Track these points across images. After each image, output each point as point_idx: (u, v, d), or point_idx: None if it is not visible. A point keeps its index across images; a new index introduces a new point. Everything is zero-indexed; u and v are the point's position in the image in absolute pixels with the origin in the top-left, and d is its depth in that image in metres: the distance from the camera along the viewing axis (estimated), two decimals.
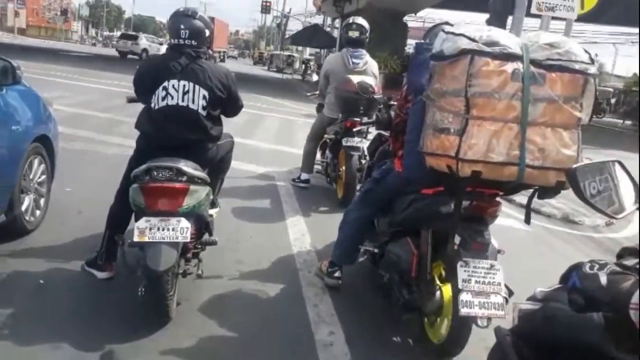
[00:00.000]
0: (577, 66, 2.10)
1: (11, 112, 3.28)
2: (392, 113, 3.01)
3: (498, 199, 2.46)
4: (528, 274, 3.38)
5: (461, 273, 2.25)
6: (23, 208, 3.40)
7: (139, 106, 3.12)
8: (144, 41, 32.49)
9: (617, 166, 1.66)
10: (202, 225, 2.88)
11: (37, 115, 3.63)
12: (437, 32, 2.56)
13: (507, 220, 4.87)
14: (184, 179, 2.66)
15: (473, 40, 2.09)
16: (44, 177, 3.72)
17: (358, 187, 4.55)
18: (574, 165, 1.60)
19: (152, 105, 2.91)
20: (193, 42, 2.93)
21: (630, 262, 1.18)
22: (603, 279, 1.12)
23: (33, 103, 3.64)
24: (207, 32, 3.02)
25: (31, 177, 3.53)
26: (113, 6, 79.06)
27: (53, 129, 3.91)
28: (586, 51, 2.19)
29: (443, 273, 2.45)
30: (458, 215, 2.32)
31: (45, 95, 4.07)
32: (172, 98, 2.87)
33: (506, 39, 2.14)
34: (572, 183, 1.53)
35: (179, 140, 2.89)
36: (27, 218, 3.46)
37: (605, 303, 1.10)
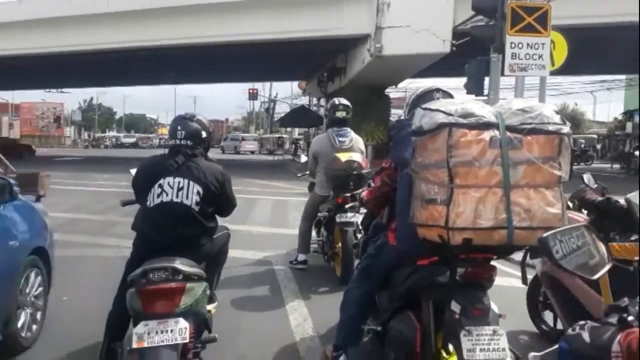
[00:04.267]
0: (550, 127, 2.19)
1: (8, 227, 3.34)
2: (379, 182, 3.05)
3: (493, 262, 2.47)
4: (533, 334, 3.30)
5: (465, 343, 2.22)
6: (19, 324, 3.36)
7: (135, 207, 3.18)
8: None
9: (585, 230, 1.74)
10: (200, 323, 2.84)
11: (33, 228, 3.68)
12: (428, 98, 2.69)
13: (506, 279, 4.82)
14: (180, 277, 2.66)
15: (449, 114, 2.19)
16: (40, 289, 3.70)
17: (356, 262, 4.54)
18: (544, 234, 1.71)
19: (148, 203, 2.99)
20: (189, 142, 3.09)
21: (612, 318, 1.21)
22: (586, 336, 1.15)
23: (29, 216, 3.70)
24: (204, 134, 3.17)
25: (27, 291, 3.51)
26: (105, 108, 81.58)
27: (49, 239, 3.95)
28: (557, 112, 2.30)
29: (449, 345, 2.41)
30: (454, 283, 2.32)
31: (39, 205, 4.14)
32: (167, 195, 2.96)
33: (480, 109, 2.24)
34: (545, 250, 1.60)
35: (174, 237, 2.93)
36: (23, 334, 3.40)
37: (592, 357, 1.12)
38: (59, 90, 45.86)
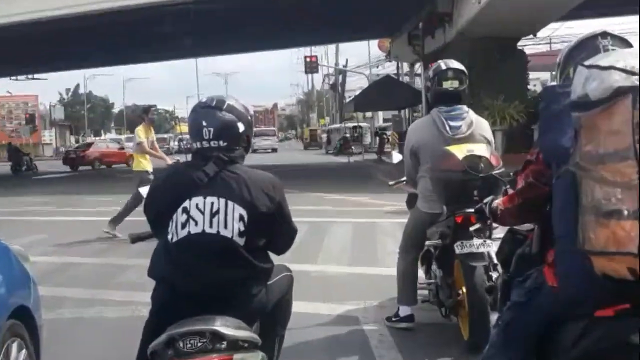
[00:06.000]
0: None
1: None
2: (522, 183, 2.99)
3: None
4: None
5: None
6: None
7: (150, 244, 3.29)
8: None
9: None
10: None
11: (9, 280, 3.87)
12: (591, 50, 2.62)
13: None
14: (224, 346, 2.74)
15: (632, 72, 2.14)
16: None
17: (493, 317, 4.44)
18: None
19: (169, 237, 3.09)
20: (221, 142, 3.16)
21: None
22: None
23: (3, 263, 3.90)
24: (242, 126, 3.23)
25: None
26: (97, 100, 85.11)
27: (33, 294, 4.14)
28: None
29: None
30: None
31: (16, 246, 4.36)
32: (197, 223, 3.05)
33: None
34: None
35: (211, 285, 3.02)
36: None
37: None
38: (30, 76, 48.31)
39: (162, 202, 3.17)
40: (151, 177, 11.24)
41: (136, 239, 3.66)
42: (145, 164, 11.56)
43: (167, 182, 3.25)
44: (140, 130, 11.72)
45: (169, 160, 11.64)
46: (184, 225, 3.06)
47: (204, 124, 3.18)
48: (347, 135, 45.10)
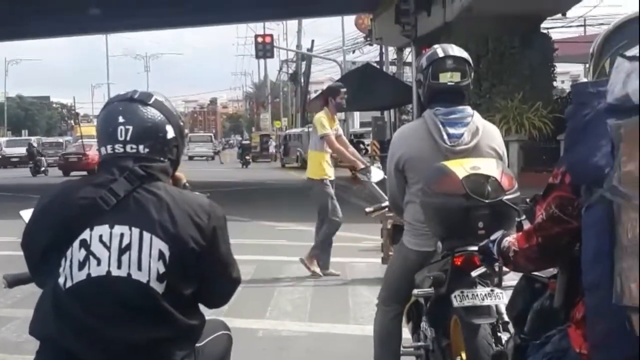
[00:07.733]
0: None
1: None
2: (543, 215, 3.01)
3: None
4: None
5: None
6: None
7: (32, 290, 3.25)
8: None
9: None
10: None
11: None
12: (633, 32, 2.64)
13: None
14: None
15: None
16: None
17: None
18: None
19: (61, 281, 3.03)
20: (142, 148, 3.13)
21: None
22: None
23: None
24: (171, 132, 3.23)
25: None
26: None
27: None
28: None
29: None
30: None
31: None
32: (99, 262, 3.00)
33: None
34: None
35: (116, 349, 2.99)
36: None
37: None
38: None
39: (51, 232, 3.08)
40: (329, 189, 10.84)
41: (15, 281, 3.60)
42: (327, 169, 11.04)
43: (57, 203, 3.16)
44: (322, 118, 11.12)
45: (362, 165, 10.56)
46: (81, 265, 3.00)
47: (121, 120, 3.14)
48: (247, 142, 51.78)
